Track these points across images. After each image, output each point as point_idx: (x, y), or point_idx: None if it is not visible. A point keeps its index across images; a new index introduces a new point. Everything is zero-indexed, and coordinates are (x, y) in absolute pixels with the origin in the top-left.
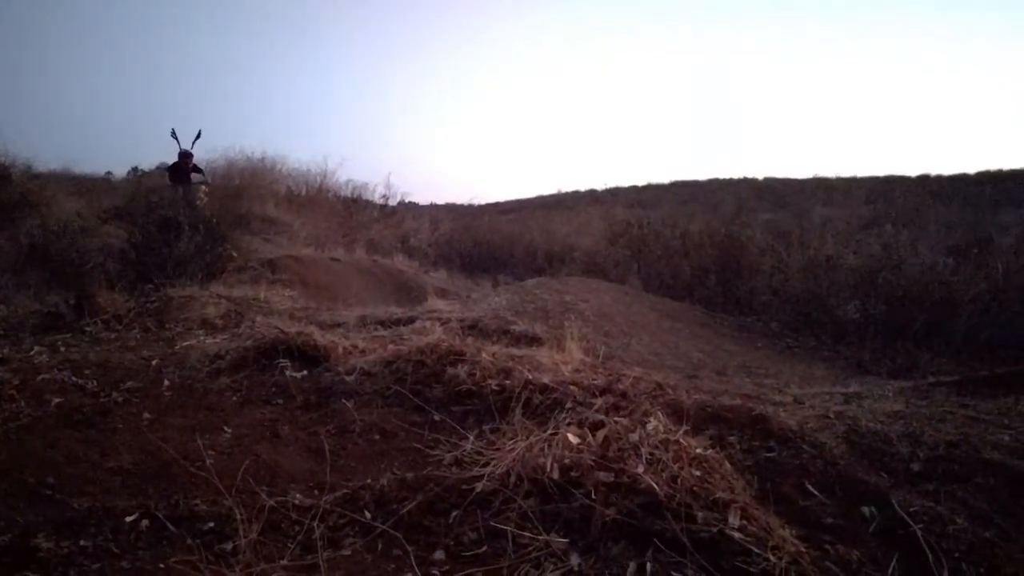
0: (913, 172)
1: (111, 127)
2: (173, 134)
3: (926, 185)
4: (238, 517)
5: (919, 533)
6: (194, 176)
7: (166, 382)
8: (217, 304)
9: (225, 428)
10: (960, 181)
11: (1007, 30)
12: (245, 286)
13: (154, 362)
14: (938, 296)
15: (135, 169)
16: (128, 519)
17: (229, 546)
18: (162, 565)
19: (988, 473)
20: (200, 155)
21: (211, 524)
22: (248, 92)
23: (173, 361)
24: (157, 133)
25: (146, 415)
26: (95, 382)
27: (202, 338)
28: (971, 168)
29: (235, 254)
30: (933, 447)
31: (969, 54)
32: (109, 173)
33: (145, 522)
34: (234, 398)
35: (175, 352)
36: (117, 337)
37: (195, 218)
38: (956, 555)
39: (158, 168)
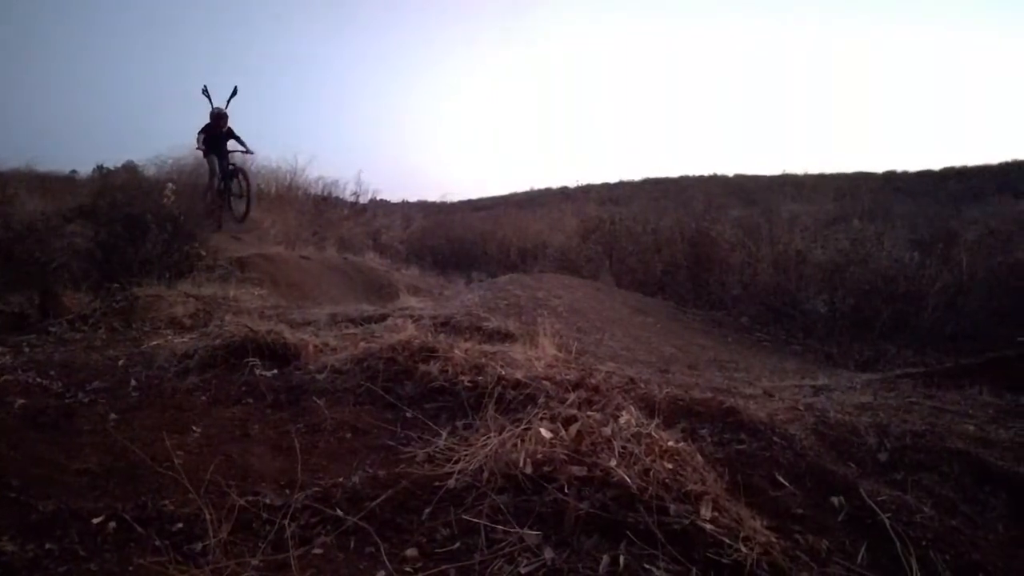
0: (879, 169)
1: (75, 125)
2: (205, 91)
3: (892, 181)
4: (207, 517)
5: (887, 522)
6: (232, 145)
7: (133, 382)
8: (185, 303)
9: (194, 428)
10: (925, 177)
11: (970, 29)
12: (214, 285)
13: (121, 362)
14: (904, 290)
15: (100, 167)
16: (95, 521)
17: (199, 546)
18: (130, 567)
19: (953, 462)
20: (166, 152)
21: (180, 525)
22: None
23: (140, 361)
24: (121, 130)
25: (113, 415)
26: (60, 383)
27: (170, 337)
28: (936, 164)
29: (203, 252)
30: (900, 437)
31: (933, 53)
32: (74, 171)
33: (112, 524)
34: (203, 397)
35: (142, 352)
36: (83, 337)
37: (233, 198)
38: (923, 543)
39: (124, 166)
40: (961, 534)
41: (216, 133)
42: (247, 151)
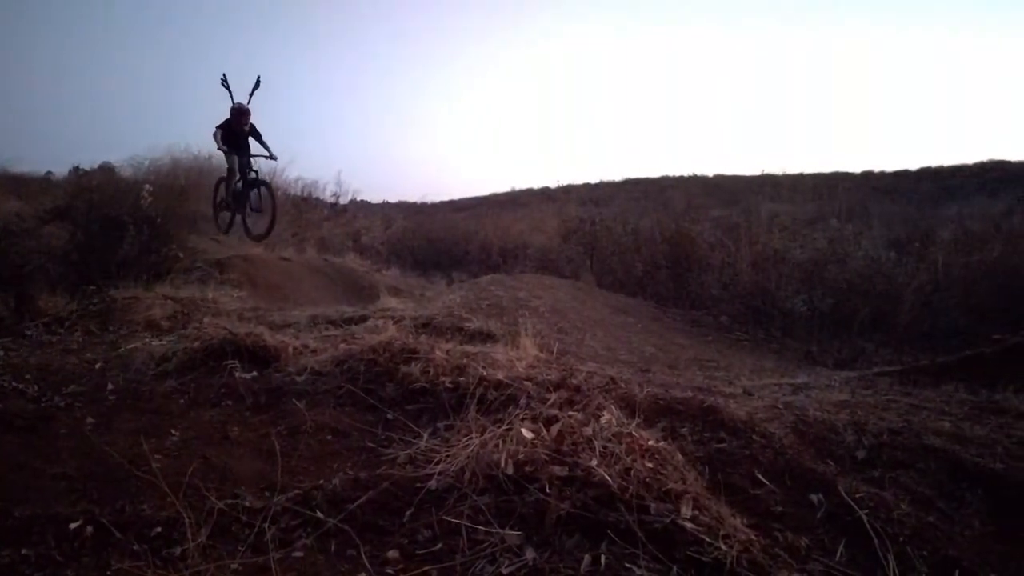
0: (857, 169)
1: (51, 126)
2: (224, 81)
3: (870, 181)
4: (186, 521)
5: (865, 518)
6: (254, 147)
7: (110, 385)
8: (163, 305)
9: (172, 431)
10: (902, 177)
11: (945, 31)
12: (192, 287)
13: (98, 365)
14: (881, 288)
15: (76, 168)
16: (72, 526)
17: (177, 550)
18: (108, 572)
19: (930, 459)
20: (144, 153)
21: (158, 529)
22: (194, 89)
23: (117, 364)
24: (97, 131)
25: (90, 419)
26: (36, 386)
27: (147, 340)
28: (913, 164)
29: (181, 254)
30: (877, 435)
31: (910, 55)
32: (49, 173)
33: (90, 528)
34: (181, 400)
35: (119, 355)
36: (59, 340)
37: (251, 211)
38: (901, 539)
39: (101, 167)
40: (938, 530)
41: (237, 131)
42: (271, 156)
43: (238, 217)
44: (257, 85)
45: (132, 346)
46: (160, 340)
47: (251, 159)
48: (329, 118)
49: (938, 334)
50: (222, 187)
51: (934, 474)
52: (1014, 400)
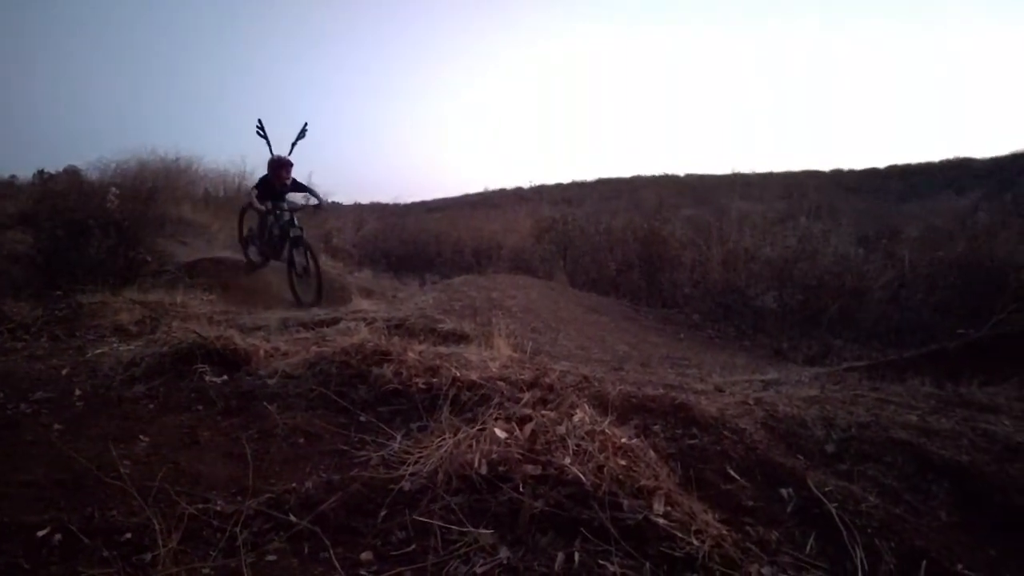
0: (827, 167)
1: (14, 129)
2: (260, 129)
3: (839, 179)
4: (156, 526)
5: (834, 511)
6: (292, 200)
7: (77, 391)
8: (131, 310)
9: (142, 436)
10: (870, 175)
11: (914, 31)
12: (161, 291)
13: (64, 371)
14: (850, 285)
15: (41, 172)
16: (39, 534)
17: (148, 556)
18: None
19: (897, 452)
20: (110, 156)
21: (128, 535)
22: (161, 92)
23: (85, 370)
24: (61, 134)
25: (57, 426)
26: (2, 393)
27: (115, 345)
28: (881, 163)
29: (149, 258)
30: (846, 429)
31: (878, 55)
32: (13, 176)
33: (58, 536)
34: (151, 406)
35: (87, 360)
36: (24, 347)
37: (295, 275)
38: (869, 531)
39: (66, 170)
40: (905, 522)
41: (277, 189)
42: (320, 204)
43: (274, 266)
44: (302, 134)
45: (100, 351)
46: (128, 345)
47: (294, 215)
48: (300, 119)
49: (905, 329)
50: (250, 221)
51: (901, 467)
52: (978, 394)
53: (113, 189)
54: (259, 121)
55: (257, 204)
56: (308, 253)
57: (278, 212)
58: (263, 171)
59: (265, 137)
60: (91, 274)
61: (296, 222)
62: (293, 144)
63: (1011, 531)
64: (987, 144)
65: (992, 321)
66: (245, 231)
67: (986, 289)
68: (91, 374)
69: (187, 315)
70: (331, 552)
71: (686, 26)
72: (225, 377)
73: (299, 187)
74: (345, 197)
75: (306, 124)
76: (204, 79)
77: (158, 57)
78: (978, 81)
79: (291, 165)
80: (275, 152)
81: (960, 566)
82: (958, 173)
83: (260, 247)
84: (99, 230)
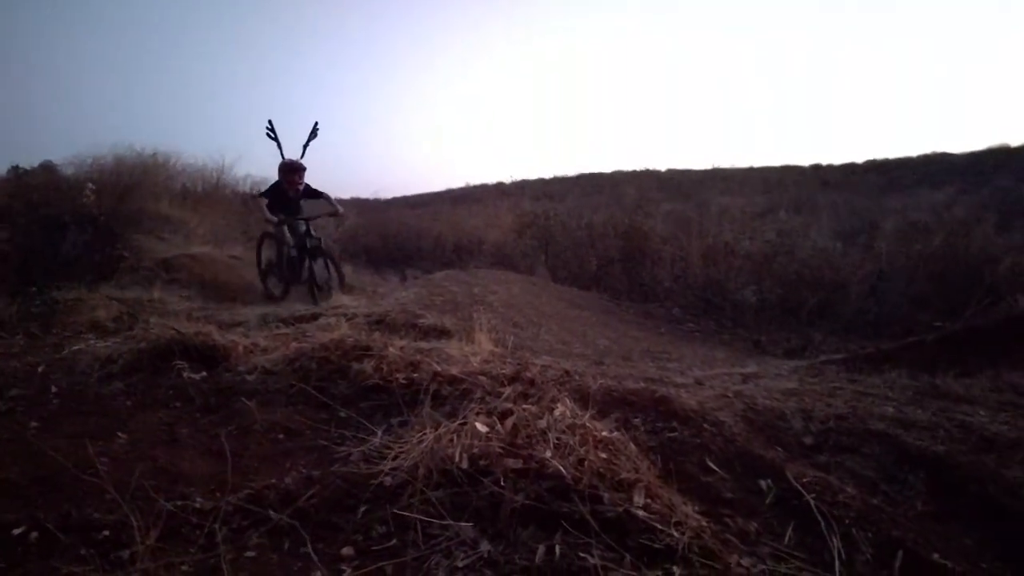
0: (806, 162)
1: None
2: (270, 131)
3: (818, 174)
4: (134, 523)
5: (812, 502)
6: (307, 207)
7: (54, 388)
8: (108, 306)
9: (119, 434)
10: (849, 170)
11: (892, 27)
12: (138, 287)
13: (40, 368)
14: (829, 279)
15: (15, 167)
16: (15, 532)
17: (126, 554)
18: None
19: (874, 443)
20: (86, 151)
21: (106, 532)
22: (139, 86)
23: (61, 367)
24: (36, 129)
25: (33, 423)
26: None
27: (92, 342)
28: (860, 158)
29: (126, 254)
30: (824, 421)
31: (857, 51)
32: None
33: (34, 534)
34: (128, 402)
35: (63, 357)
36: None
37: (318, 290)
38: (847, 521)
39: (41, 165)
40: (882, 512)
41: (289, 195)
42: (335, 212)
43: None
44: (314, 134)
45: (76, 348)
46: (105, 342)
47: (310, 225)
48: (278, 114)
49: (882, 322)
50: (268, 248)
51: (878, 458)
52: (954, 385)
53: (89, 185)
54: (269, 122)
55: (267, 215)
56: (329, 263)
57: (292, 224)
58: (243, 164)
59: (276, 139)
60: (67, 270)
61: (313, 232)
62: (305, 146)
63: (986, 521)
64: (964, 139)
65: (967, 314)
66: (264, 261)
67: (962, 282)
68: (68, 371)
69: (165, 311)
70: (313, 548)
71: (669, 23)
72: (204, 373)
73: (313, 193)
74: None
75: (317, 124)
76: (182, 73)
77: (135, 52)
78: (956, 77)
79: (304, 169)
80: (286, 155)
81: (936, 555)
82: (935, 168)
83: (280, 274)
84: (75, 226)
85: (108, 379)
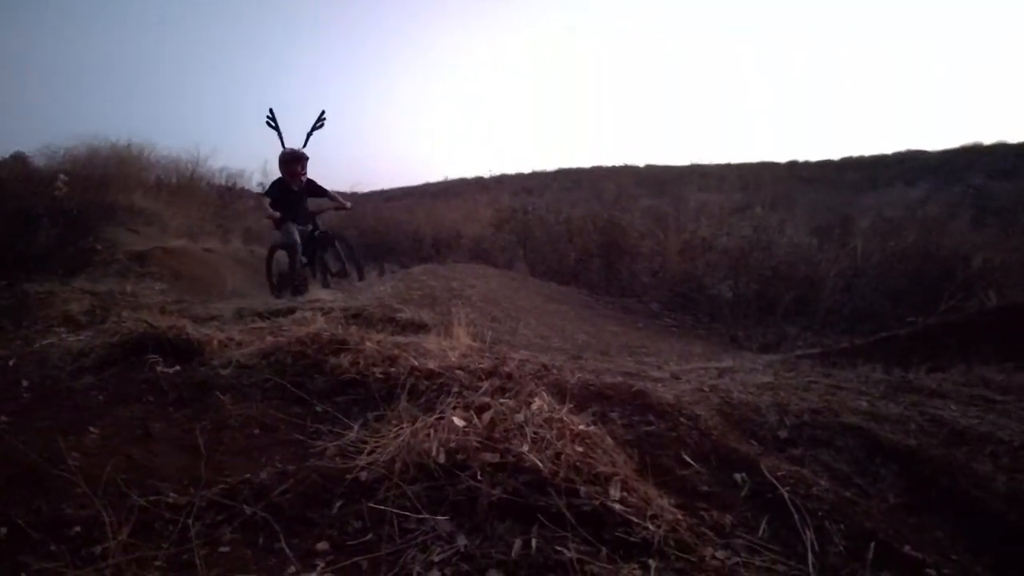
0: (783, 159)
1: None
2: (270, 119)
3: (795, 171)
4: (106, 519)
5: (786, 495)
6: (316, 204)
7: (24, 383)
8: (80, 300)
9: (91, 428)
10: (826, 167)
11: (865, 28)
12: (111, 280)
13: (11, 362)
14: (804, 274)
15: None
16: None
17: (98, 549)
18: (23, 574)
19: (848, 437)
20: (58, 142)
21: (77, 528)
22: (111, 76)
23: (32, 361)
24: (7, 120)
25: (3, 418)
26: None
27: (64, 336)
28: (836, 155)
29: (99, 247)
30: (799, 415)
31: (832, 49)
32: None
33: (4, 530)
34: (100, 397)
35: (34, 351)
36: None
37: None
38: (820, 514)
39: (12, 156)
40: (855, 504)
41: (292, 190)
42: (343, 207)
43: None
44: (320, 123)
45: (47, 342)
46: (77, 335)
47: (316, 218)
48: (254, 106)
49: (857, 317)
50: (279, 260)
51: (852, 451)
52: (926, 379)
53: (62, 176)
54: (270, 111)
55: (269, 211)
56: (343, 250)
57: (299, 222)
58: (221, 158)
59: (276, 128)
60: (39, 263)
61: (320, 225)
62: (308, 134)
63: (956, 513)
64: (938, 137)
65: (940, 310)
66: (275, 276)
67: (935, 278)
68: (39, 365)
69: (138, 305)
70: (290, 543)
71: (648, 20)
72: (178, 368)
73: (317, 190)
74: None
75: (323, 112)
76: (155, 63)
77: (106, 40)
78: (931, 76)
79: (306, 159)
80: (287, 145)
81: (908, 547)
82: (910, 165)
83: (295, 288)
84: (47, 218)
85: (80, 373)
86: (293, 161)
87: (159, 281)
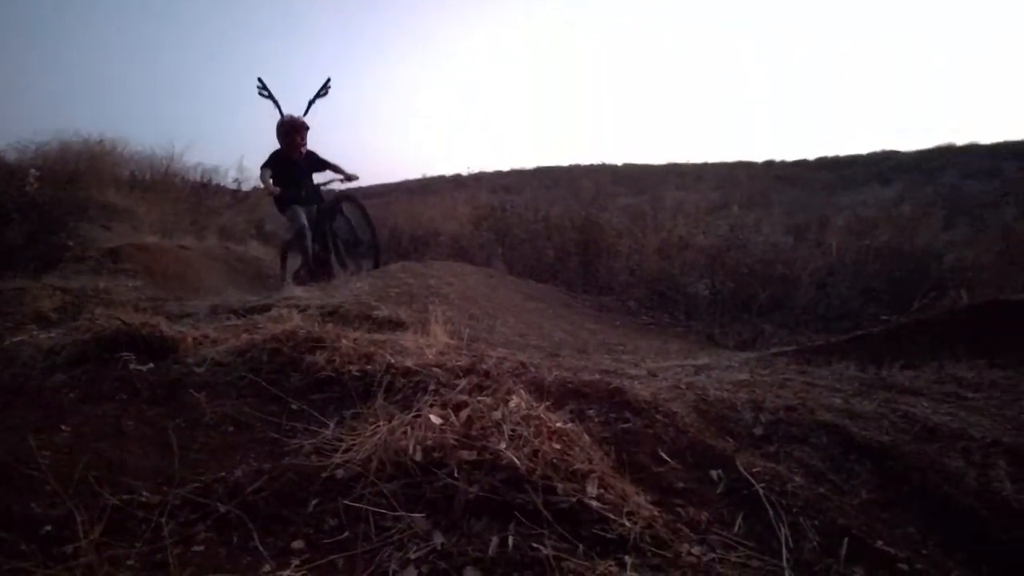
0: (759, 158)
1: None
2: (262, 88)
3: (771, 170)
4: (78, 518)
5: (761, 492)
6: (319, 180)
7: None
8: (52, 296)
9: (62, 426)
10: (801, 166)
11: (842, 28)
12: (84, 277)
13: None
14: (780, 272)
15: None
16: None
17: (69, 549)
18: None
19: (822, 433)
20: (29, 136)
21: (48, 528)
22: (84, 70)
23: (2, 358)
24: None
25: None
26: None
27: (35, 333)
28: (811, 155)
29: (72, 243)
30: (774, 412)
31: (808, 50)
32: None
33: None
34: (72, 395)
35: (4, 349)
36: None
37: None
38: (795, 510)
39: None
40: (829, 500)
41: (294, 161)
42: (347, 177)
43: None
44: (324, 91)
45: (18, 339)
46: (49, 333)
47: (321, 189)
48: (230, 101)
49: (832, 315)
50: (293, 256)
51: (826, 448)
52: (899, 377)
53: (33, 171)
54: (260, 80)
55: (270, 186)
56: (352, 216)
57: (303, 200)
58: (196, 153)
59: (271, 97)
60: (9, 260)
61: (323, 194)
62: (310, 103)
63: (929, 508)
64: (912, 137)
65: (913, 308)
66: (286, 268)
67: (909, 277)
68: (9, 363)
69: (111, 302)
70: (264, 542)
71: (626, 17)
72: (151, 365)
73: (319, 163)
74: None
75: (328, 80)
76: (129, 56)
77: (79, 33)
78: (904, 77)
79: (307, 128)
80: (284, 112)
81: (880, 542)
82: (884, 165)
83: (310, 267)
84: (18, 214)
85: (51, 371)
86: (293, 131)
87: (133, 278)
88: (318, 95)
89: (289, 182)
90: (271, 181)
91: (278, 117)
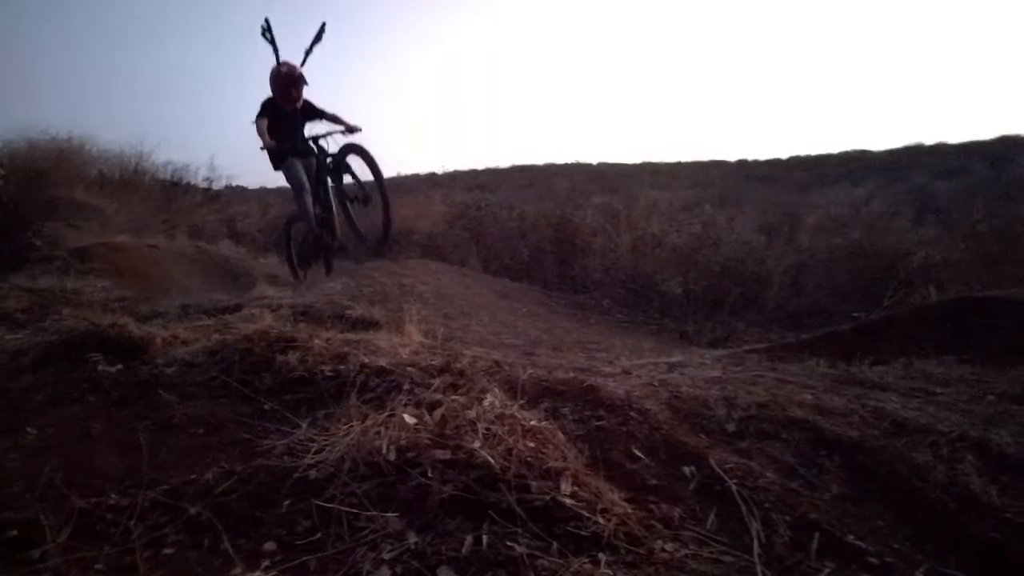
0: (732, 157)
1: None
2: (267, 31)
3: (744, 169)
4: (44, 522)
5: (734, 488)
6: (315, 129)
7: None
8: (18, 297)
9: (29, 429)
10: (774, 165)
11: (814, 28)
12: (52, 277)
13: None
14: (752, 271)
15: None
16: None
17: (36, 553)
18: None
19: (794, 429)
20: None
21: (14, 532)
22: (52, 68)
23: None
24: None
25: None
26: None
27: (1, 334)
28: (784, 154)
29: (39, 242)
30: (746, 408)
31: (781, 51)
32: None
33: None
34: (39, 397)
35: None
36: None
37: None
38: (766, 505)
39: None
40: (800, 496)
41: (287, 112)
42: (349, 128)
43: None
44: (319, 38)
45: None
46: (15, 334)
47: (323, 142)
48: (201, 99)
49: (803, 313)
50: (298, 228)
51: (797, 444)
52: (869, 373)
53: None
54: (266, 21)
55: (267, 139)
56: (364, 155)
57: (299, 154)
58: (166, 151)
59: (272, 42)
60: None
61: (327, 148)
62: (307, 51)
63: (898, 502)
64: (882, 137)
65: (883, 305)
66: (292, 247)
67: (879, 275)
68: None
69: (79, 302)
70: (229, 543)
71: (602, 15)
72: (120, 366)
73: (315, 113)
74: (251, 181)
75: (324, 24)
76: (97, 51)
77: (45, 30)
78: (874, 77)
79: (304, 81)
80: (281, 56)
81: (851, 536)
82: (855, 165)
83: (311, 243)
84: None
85: (18, 373)
86: (289, 82)
87: (101, 278)
88: (315, 42)
89: (284, 134)
90: (267, 134)
91: (274, 63)
